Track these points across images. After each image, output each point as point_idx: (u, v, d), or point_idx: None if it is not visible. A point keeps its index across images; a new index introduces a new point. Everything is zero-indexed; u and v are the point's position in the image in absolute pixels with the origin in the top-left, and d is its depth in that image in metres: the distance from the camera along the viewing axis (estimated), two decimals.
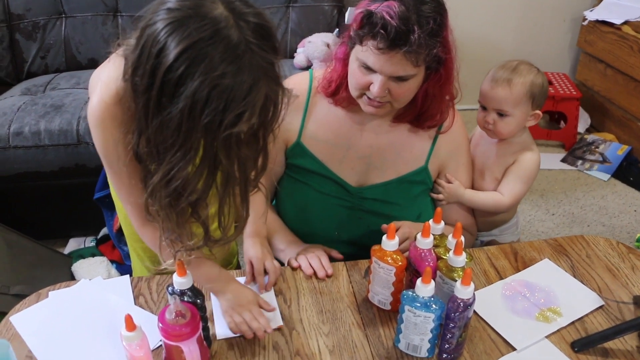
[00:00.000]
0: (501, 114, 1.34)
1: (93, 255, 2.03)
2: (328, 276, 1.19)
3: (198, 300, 0.94)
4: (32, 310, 1.11)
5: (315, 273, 1.20)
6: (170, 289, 0.95)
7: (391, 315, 1.10)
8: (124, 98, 0.87)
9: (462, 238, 1.03)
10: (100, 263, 1.98)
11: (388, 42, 1.04)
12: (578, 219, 2.47)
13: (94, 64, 2.52)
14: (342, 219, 1.32)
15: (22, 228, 1.96)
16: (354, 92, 1.18)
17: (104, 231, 2.11)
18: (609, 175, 2.73)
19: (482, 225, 1.51)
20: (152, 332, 0.95)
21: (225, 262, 1.49)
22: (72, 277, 1.95)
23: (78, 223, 2.20)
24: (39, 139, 1.97)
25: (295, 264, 1.22)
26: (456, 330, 0.96)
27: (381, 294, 1.09)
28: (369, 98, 1.15)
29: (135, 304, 1.12)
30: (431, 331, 0.97)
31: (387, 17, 1.03)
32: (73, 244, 2.18)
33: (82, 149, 2.00)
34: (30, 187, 2.07)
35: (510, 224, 1.53)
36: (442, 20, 1.08)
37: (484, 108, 1.37)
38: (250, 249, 1.20)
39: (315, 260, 1.21)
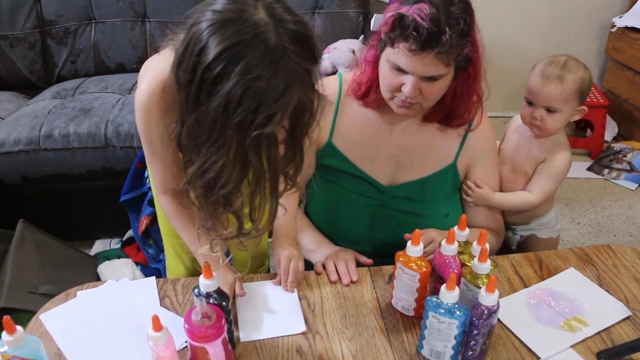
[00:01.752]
0: (550, 110, 1.34)
1: (118, 257, 2.07)
2: (352, 282, 1.19)
3: (224, 303, 0.95)
4: (61, 309, 1.13)
5: (339, 278, 1.20)
6: (196, 290, 0.96)
7: (414, 322, 1.10)
8: (170, 88, 0.93)
9: (487, 245, 1.03)
10: (125, 265, 2.01)
11: (420, 43, 1.06)
12: (604, 228, 2.43)
13: (122, 68, 2.58)
14: (372, 217, 1.33)
15: (50, 229, 2.01)
16: (385, 94, 1.20)
17: (129, 233, 2.15)
18: (637, 185, 2.68)
19: (518, 218, 1.52)
20: (177, 332, 0.96)
21: (258, 263, 1.51)
22: (97, 278, 1.98)
23: (104, 225, 2.24)
24: (68, 141, 2.02)
25: (320, 269, 1.22)
26: (480, 338, 0.96)
27: (405, 299, 1.09)
28: (401, 100, 1.17)
29: (160, 305, 1.14)
30: (455, 338, 0.96)
31: (419, 19, 1.05)
32: (99, 246, 2.22)
33: (110, 152, 2.04)
34: (59, 189, 2.11)
35: (549, 218, 1.53)
36: (471, 20, 1.10)
37: (530, 104, 1.37)
38: (280, 248, 1.22)
39: (342, 265, 1.21)
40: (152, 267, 1.87)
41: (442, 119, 1.27)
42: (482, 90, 1.25)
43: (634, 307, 1.14)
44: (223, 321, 0.90)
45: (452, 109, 1.24)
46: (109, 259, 2.06)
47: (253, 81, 0.80)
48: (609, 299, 1.17)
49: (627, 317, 1.12)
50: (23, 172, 2.04)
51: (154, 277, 1.21)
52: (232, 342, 1.01)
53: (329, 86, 1.31)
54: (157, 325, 0.86)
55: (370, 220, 1.34)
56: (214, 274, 0.94)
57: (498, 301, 0.95)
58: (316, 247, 1.31)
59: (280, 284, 1.18)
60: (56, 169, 2.04)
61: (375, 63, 1.20)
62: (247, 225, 0.95)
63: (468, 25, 1.08)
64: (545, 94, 1.33)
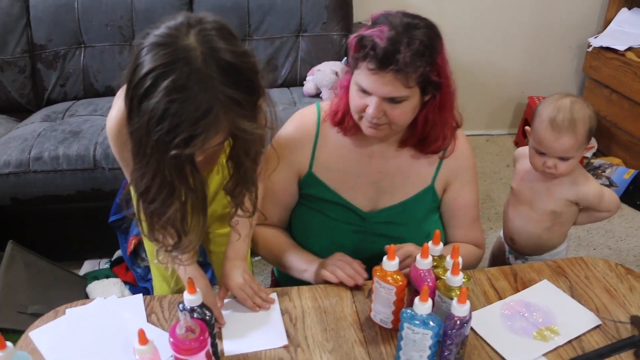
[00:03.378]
0: (563, 158, 1.35)
1: (107, 277, 2.09)
2: (365, 279, 1.24)
3: (207, 317, 0.99)
4: (50, 326, 1.16)
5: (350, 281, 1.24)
6: (180, 305, 1.00)
7: (392, 334, 1.14)
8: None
9: (460, 259, 1.07)
10: (114, 284, 2.04)
11: (377, 62, 1.10)
12: (584, 242, 2.49)
13: (111, 91, 2.63)
14: (354, 243, 1.36)
15: (39, 250, 2.04)
16: (354, 115, 1.24)
17: (118, 253, 2.17)
18: None
19: (532, 249, 1.55)
20: (163, 347, 1.00)
21: None
22: (86, 298, 2.01)
23: (93, 245, 2.27)
24: (57, 163, 2.06)
25: (331, 277, 1.24)
26: (453, 347, 1.00)
27: (383, 312, 1.13)
28: (367, 120, 1.20)
29: (147, 321, 1.17)
30: (430, 348, 1.01)
31: (377, 39, 1.10)
32: (88, 266, 2.24)
33: (99, 174, 2.08)
34: (48, 210, 2.15)
35: (561, 249, 1.56)
36: (431, 43, 1.13)
37: (541, 154, 1.37)
38: (230, 274, 1.22)
39: (349, 268, 1.24)
40: (141, 286, 1.90)
41: (416, 144, 1.30)
42: (457, 117, 1.29)
43: (603, 317, 1.19)
44: (206, 334, 0.94)
45: (425, 135, 1.27)
46: (97, 278, 2.08)
47: (174, 101, 0.85)
48: (581, 309, 1.22)
49: (597, 326, 1.17)
50: (12, 193, 2.08)
51: (140, 295, 1.24)
52: (216, 355, 1.05)
53: (307, 116, 1.38)
54: (142, 339, 0.90)
55: (353, 246, 1.36)
56: (197, 289, 0.98)
57: (470, 311, 0.99)
58: (308, 265, 1.33)
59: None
60: (45, 190, 2.08)
61: (349, 88, 1.24)
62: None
63: (426, 46, 1.11)
64: (559, 147, 1.33)
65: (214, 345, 1.03)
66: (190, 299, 0.98)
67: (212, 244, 1.52)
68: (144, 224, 0.99)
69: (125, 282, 2.07)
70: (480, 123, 3.43)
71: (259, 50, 2.58)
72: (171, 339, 0.92)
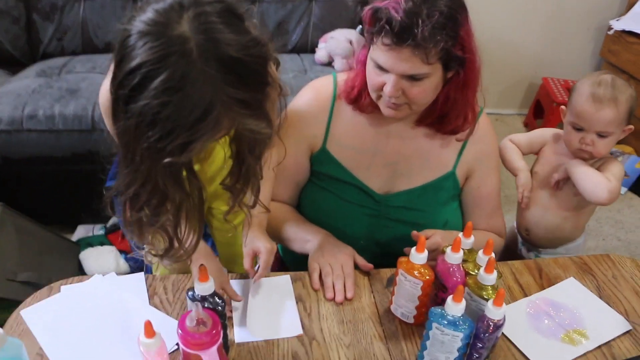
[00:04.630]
0: (601, 135, 1.29)
1: (102, 244, 2.01)
2: (347, 299, 1.13)
3: (219, 307, 0.90)
4: (44, 305, 1.08)
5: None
6: (190, 294, 0.91)
7: (414, 329, 1.06)
8: None
9: (493, 255, 0.99)
10: (108, 252, 1.95)
11: (393, 36, 1.01)
12: (593, 232, 2.43)
13: (110, 48, 2.49)
14: (367, 227, 1.28)
15: (30, 212, 1.94)
16: (372, 94, 1.16)
17: (114, 220, 2.08)
18: (626, 189, 2.69)
19: (548, 241, 1.48)
20: (167, 334, 0.91)
21: (230, 262, 1.46)
22: (79, 265, 1.92)
23: (87, 210, 2.16)
24: (53, 123, 1.94)
25: (315, 278, 1.15)
26: (484, 351, 0.93)
27: (405, 306, 1.06)
28: (386, 100, 1.12)
29: (149, 303, 1.09)
30: (458, 350, 0.93)
31: (393, 11, 1.00)
32: (81, 231, 2.15)
33: (96, 136, 1.97)
34: (42, 171, 2.04)
35: (578, 243, 1.50)
36: (454, 15, 1.03)
37: (578, 129, 1.32)
38: (256, 239, 1.12)
39: (339, 282, 1.14)
40: (136, 255, 1.82)
41: (433, 123, 1.22)
42: (476, 99, 1.20)
43: (634, 321, 1.12)
44: (219, 327, 0.86)
45: (444, 114, 1.19)
46: (91, 245, 2.00)
47: (166, 104, 0.70)
48: (609, 311, 1.15)
49: (628, 332, 1.10)
50: (4, 153, 1.97)
51: (142, 274, 1.16)
52: (226, 346, 0.97)
53: (322, 87, 1.28)
54: (149, 331, 0.82)
55: (366, 231, 1.29)
56: (210, 277, 0.89)
57: (504, 315, 0.91)
58: (312, 236, 1.24)
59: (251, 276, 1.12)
60: (39, 150, 1.97)
61: (365, 63, 1.15)
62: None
63: (448, 18, 1.01)
64: (600, 119, 1.28)
65: (224, 337, 0.95)
66: (202, 287, 0.89)
67: (215, 220, 1.43)
68: (131, 230, 0.86)
69: (121, 251, 1.99)
70: (490, 101, 3.30)
71: (269, 13, 2.44)
72: (180, 332, 0.84)
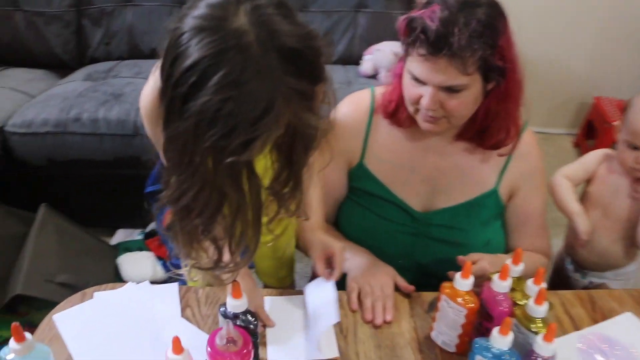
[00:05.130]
0: None
1: (140, 249, 2.01)
2: (386, 322, 1.08)
3: (251, 325, 0.87)
4: (76, 310, 1.06)
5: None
6: (222, 310, 0.88)
7: (455, 359, 1.00)
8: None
9: (544, 284, 0.93)
10: (146, 258, 1.95)
11: (429, 46, 0.97)
12: None
13: (156, 54, 2.51)
14: (406, 246, 1.23)
15: (71, 214, 1.97)
16: (409, 108, 1.11)
17: (152, 226, 2.08)
18: None
19: (594, 264, 1.40)
20: (196, 349, 0.87)
21: (284, 273, 1.43)
22: (116, 269, 1.92)
23: (127, 214, 2.18)
24: (96, 126, 1.96)
25: (354, 302, 1.10)
26: None
27: (447, 334, 1.00)
28: (423, 113, 1.08)
29: (181, 315, 1.06)
30: None
31: (428, 20, 0.97)
32: (120, 235, 2.16)
33: (138, 141, 1.97)
34: (84, 174, 2.06)
35: (629, 270, 1.41)
36: (492, 22, 0.99)
37: (633, 148, 1.26)
38: (326, 241, 1.09)
39: (379, 304, 1.09)
40: (174, 262, 1.80)
41: (473, 137, 1.16)
42: (520, 113, 1.14)
43: None
44: (250, 347, 0.82)
45: (485, 128, 1.13)
46: (130, 250, 2.00)
47: (227, 100, 0.68)
48: None
49: None
50: (49, 154, 2.00)
51: (176, 284, 1.13)
52: None
53: (359, 101, 1.24)
54: (177, 347, 0.78)
55: (405, 250, 1.23)
56: (243, 293, 0.86)
57: (555, 351, 0.85)
58: (352, 255, 1.19)
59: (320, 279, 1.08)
60: (82, 153, 1.99)
61: (402, 76, 1.10)
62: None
63: (485, 26, 0.97)
64: None
65: (255, 357, 0.91)
66: (235, 304, 0.85)
67: None
68: (179, 242, 0.83)
69: (159, 258, 1.98)
70: (537, 119, 3.22)
71: (314, 23, 2.42)
72: (209, 349, 0.80)
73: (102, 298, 1.10)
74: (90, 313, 1.06)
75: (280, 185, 0.86)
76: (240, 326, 0.86)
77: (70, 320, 1.04)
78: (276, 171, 0.86)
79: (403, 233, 1.22)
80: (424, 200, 1.22)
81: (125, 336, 1.01)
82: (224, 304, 0.88)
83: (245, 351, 0.81)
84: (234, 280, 0.86)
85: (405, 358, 1.00)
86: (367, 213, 1.25)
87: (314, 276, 1.41)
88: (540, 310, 0.89)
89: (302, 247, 1.25)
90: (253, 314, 0.88)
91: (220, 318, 0.88)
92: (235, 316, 0.86)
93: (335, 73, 2.36)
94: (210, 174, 0.73)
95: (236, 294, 0.85)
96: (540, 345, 0.83)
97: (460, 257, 1.04)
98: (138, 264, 1.91)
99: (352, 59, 2.45)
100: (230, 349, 0.80)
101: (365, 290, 1.10)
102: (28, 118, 1.98)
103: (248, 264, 0.88)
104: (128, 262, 1.92)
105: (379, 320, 1.07)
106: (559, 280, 1.51)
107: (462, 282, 0.93)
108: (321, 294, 1.06)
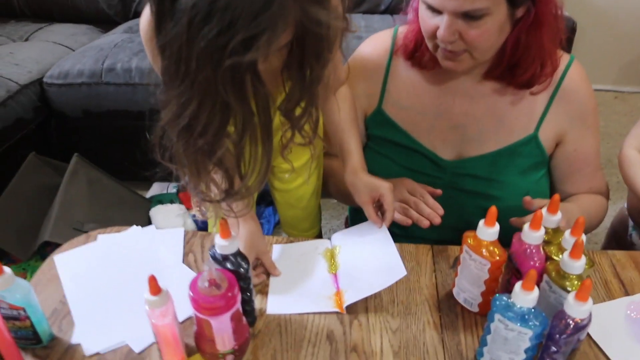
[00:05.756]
0: None
1: (172, 202, 1.98)
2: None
3: (242, 270, 0.78)
4: (78, 252, 1.03)
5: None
6: (211, 251, 0.80)
7: (478, 320, 0.89)
8: None
9: (584, 237, 0.79)
10: (177, 210, 1.92)
11: None
12: None
13: None
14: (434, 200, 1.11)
15: (107, 167, 1.94)
16: (428, 43, 1.00)
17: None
18: None
19: None
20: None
21: (308, 225, 1.34)
22: (149, 222, 1.90)
23: (163, 167, 2.15)
24: (129, 76, 1.92)
25: (404, 220, 0.99)
26: (559, 357, 0.74)
27: (469, 291, 0.88)
28: (442, 49, 0.96)
29: (183, 261, 1.00)
30: (525, 352, 0.75)
31: None
32: (156, 188, 2.14)
33: None
34: (119, 126, 2.04)
35: None
36: None
37: None
38: (371, 184, 1.00)
39: (423, 205, 1.00)
40: (196, 215, 1.77)
41: (503, 75, 1.02)
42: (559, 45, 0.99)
43: None
44: (235, 290, 0.74)
45: (515, 63, 0.99)
46: (162, 202, 1.97)
47: None
48: None
49: None
50: (84, 105, 1.98)
51: (182, 229, 1.07)
52: (251, 315, 0.85)
53: (379, 42, 1.13)
54: (154, 287, 0.71)
55: None
56: (232, 233, 0.78)
57: (590, 313, 0.72)
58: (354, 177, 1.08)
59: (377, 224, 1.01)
60: (117, 104, 1.96)
61: (419, 10, 0.98)
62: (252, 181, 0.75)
63: None
64: None
65: (248, 304, 0.83)
66: (223, 244, 0.77)
67: (276, 181, 1.32)
68: (186, 171, 0.76)
69: (190, 210, 1.94)
70: (607, 77, 2.95)
71: None
72: (190, 293, 0.73)
73: (106, 240, 1.05)
74: (91, 255, 1.02)
75: (293, 103, 0.76)
76: (229, 269, 0.78)
77: (71, 261, 1.00)
78: (289, 90, 0.76)
79: (430, 185, 1.10)
80: (453, 149, 1.11)
81: (122, 280, 0.96)
82: (214, 246, 0.80)
83: (229, 295, 0.73)
84: (222, 219, 0.78)
85: (420, 316, 0.89)
86: (390, 163, 1.14)
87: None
88: (576, 265, 0.76)
89: (341, 193, 1.16)
90: (245, 257, 0.80)
91: (210, 261, 0.80)
92: (224, 258, 0.78)
93: (382, 22, 2.23)
94: (211, 83, 0.64)
95: (224, 234, 0.77)
96: (571, 304, 0.70)
97: (527, 198, 0.93)
98: (169, 216, 1.88)
99: (401, 7, 2.30)
100: (213, 292, 0.72)
101: (404, 197, 1.02)
102: (64, 69, 1.97)
103: (260, 189, 0.78)
104: (159, 214, 1.89)
105: (437, 219, 0.99)
106: (618, 248, 1.35)
107: (486, 231, 0.81)
108: (375, 243, 0.99)
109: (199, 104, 0.65)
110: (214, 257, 0.80)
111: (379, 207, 1.01)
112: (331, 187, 1.27)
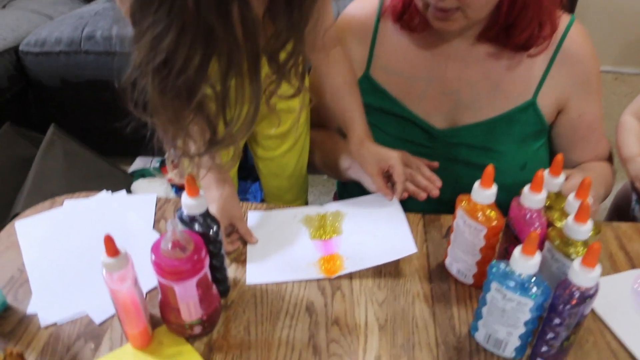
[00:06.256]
0: None
1: (154, 176, 1.90)
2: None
3: (211, 232, 0.71)
4: (41, 218, 0.95)
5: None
6: (179, 212, 0.73)
7: (473, 293, 0.82)
8: None
9: (591, 199, 0.72)
10: (160, 184, 1.84)
11: None
12: None
13: None
14: None
15: (89, 140, 1.85)
16: (417, 3, 0.92)
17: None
18: None
19: None
20: None
21: (293, 195, 1.26)
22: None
23: (147, 142, 2.07)
24: (109, 44, 1.83)
25: (403, 192, 0.94)
26: (562, 330, 0.67)
27: (463, 261, 0.81)
28: (434, 8, 0.88)
29: (153, 227, 0.92)
30: (525, 324, 0.68)
31: None
32: (139, 163, 2.06)
33: None
34: (99, 98, 1.94)
35: None
36: None
37: None
38: (378, 154, 0.94)
39: (420, 177, 0.95)
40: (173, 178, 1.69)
41: (498, 36, 0.94)
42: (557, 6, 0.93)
43: None
44: (203, 254, 0.66)
45: (511, 23, 0.91)
46: (144, 176, 1.89)
47: None
48: None
49: None
50: (63, 75, 1.89)
51: (155, 195, 0.99)
52: (223, 283, 0.78)
53: (364, 3, 1.05)
54: (111, 248, 0.64)
55: None
56: (200, 191, 0.70)
57: (598, 282, 0.64)
58: (350, 162, 1.04)
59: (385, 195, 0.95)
60: (97, 74, 1.87)
61: None
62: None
63: None
64: None
65: (220, 271, 0.76)
66: (189, 204, 0.70)
67: (260, 148, 1.23)
68: (163, 119, 0.67)
69: (173, 185, 1.87)
70: (607, 58, 2.88)
71: None
72: (153, 256, 0.65)
73: (72, 206, 0.97)
74: (55, 221, 0.94)
75: (279, 43, 0.67)
76: (198, 232, 0.70)
77: (32, 227, 0.93)
78: (275, 27, 0.67)
79: (422, 155, 1.02)
80: (446, 117, 1.03)
81: (87, 248, 0.88)
82: (181, 207, 0.72)
83: (196, 258, 0.65)
84: (189, 175, 0.70)
85: (410, 288, 0.82)
86: (379, 133, 1.06)
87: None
88: (581, 230, 0.68)
89: (327, 166, 1.11)
90: (215, 219, 0.72)
91: (175, 220, 0.72)
92: (191, 219, 0.71)
93: None
94: (192, 7, 0.55)
95: (191, 192, 0.69)
96: (576, 271, 0.63)
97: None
98: (151, 189, 1.81)
99: None
100: (177, 255, 0.65)
101: (396, 177, 0.94)
102: (42, 37, 1.88)
103: (246, 136, 0.70)
104: (141, 188, 1.82)
105: (436, 191, 0.94)
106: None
107: (482, 193, 0.74)
108: (385, 215, 0.93)
109: (178, 34, 0.57)
110: (180, 218, 0.72)
111: (388, 177, 0.95)
112: (317, 159, 1.20)
